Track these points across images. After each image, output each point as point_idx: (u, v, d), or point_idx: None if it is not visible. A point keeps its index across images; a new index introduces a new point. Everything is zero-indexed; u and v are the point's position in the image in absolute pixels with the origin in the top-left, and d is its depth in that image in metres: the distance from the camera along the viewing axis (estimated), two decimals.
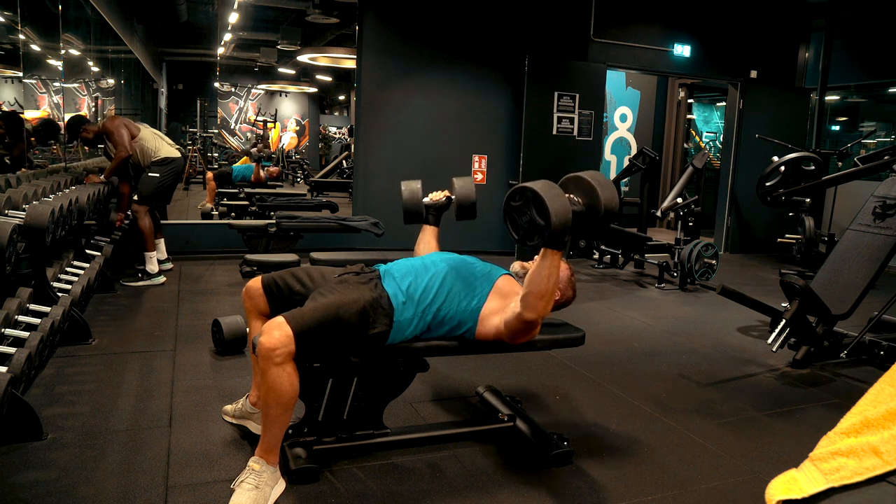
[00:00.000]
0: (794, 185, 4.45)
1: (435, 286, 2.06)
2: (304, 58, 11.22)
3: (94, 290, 3.96)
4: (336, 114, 16.31)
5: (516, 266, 2.27)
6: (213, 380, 2.86)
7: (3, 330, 2.48)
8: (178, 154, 4.72)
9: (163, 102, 11.08)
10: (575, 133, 6.55)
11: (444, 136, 6.39)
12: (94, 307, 3.89)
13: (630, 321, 4.32)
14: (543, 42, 6.49)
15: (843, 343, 3.62)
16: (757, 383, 3.25)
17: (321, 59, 11.27)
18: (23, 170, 4.35)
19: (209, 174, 8.16)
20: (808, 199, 5.79)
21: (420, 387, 2.85)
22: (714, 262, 5.35)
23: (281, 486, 1.94)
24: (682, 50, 7.11)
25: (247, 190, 7.89)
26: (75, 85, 6.64)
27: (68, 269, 3.70)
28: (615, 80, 8.69)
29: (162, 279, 4.61)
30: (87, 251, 4.27)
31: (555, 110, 6.44)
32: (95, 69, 7.13)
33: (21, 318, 2.72)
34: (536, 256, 1.91)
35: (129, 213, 4.97)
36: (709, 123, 10.65)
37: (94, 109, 6.97)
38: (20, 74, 4.95)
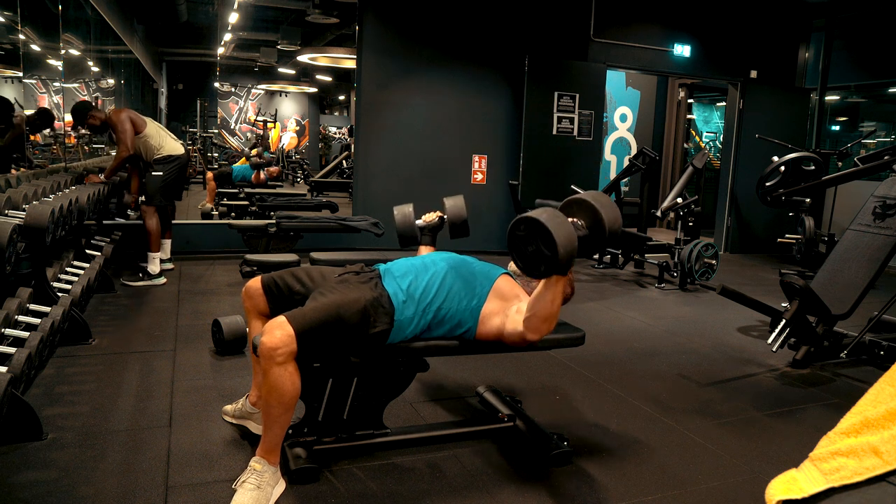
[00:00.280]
0: (794, 185, 4.45)
1: (435, 285, 2.06)
2: (304, 58, 11.22)
3: (94, 290, 3.96)
4: (336, 114, 16.31)
5: (514, 265, 2.27)
6: (213, 380, 2.86)
7: (3, 330, 2.48)
8: (181, 150, 4.71)
9: (163, 102, 11.07)
10: (575, 133, 6.55)
11: (444, 136, 6.39)
12: (94, 307, 3.89)
13: (630, 321, 4.32)
14: (543, 42, 6.49)
15: (843, 343, 3.62)
16: (757, 383, 3.25)
17: (321, 59, 11.27)
18: (22, 169, 4.35)
19: (209, 174, 8.15)
20: (808, 199, 5.79)
21: (420, 387, 2.85)
22: (714, 262, 5.35)
23: (281, 486, 1.94)
24: (682, 50, 7.11)
25: (247, 190, 7.90)
26: (75, 85, 6.64)
27: (68, 269, 3.70)
28: (615, 80, 8.69)
29: (163, 280, 4.61)
30: (87, 251, 4.27)
31: (555, 110, 6.45)
32: (95, 69, 7.13)
33: (21, 318, 2.72)
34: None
35: (139, 199, 4.97)
36: (709, 123, 10.65)
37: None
38: (20, 74, 4.94)
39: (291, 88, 14.67)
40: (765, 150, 6.64)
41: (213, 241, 5.80)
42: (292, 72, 13.56)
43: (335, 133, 15.47)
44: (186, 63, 12.27)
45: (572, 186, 6.39)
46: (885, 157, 4.10)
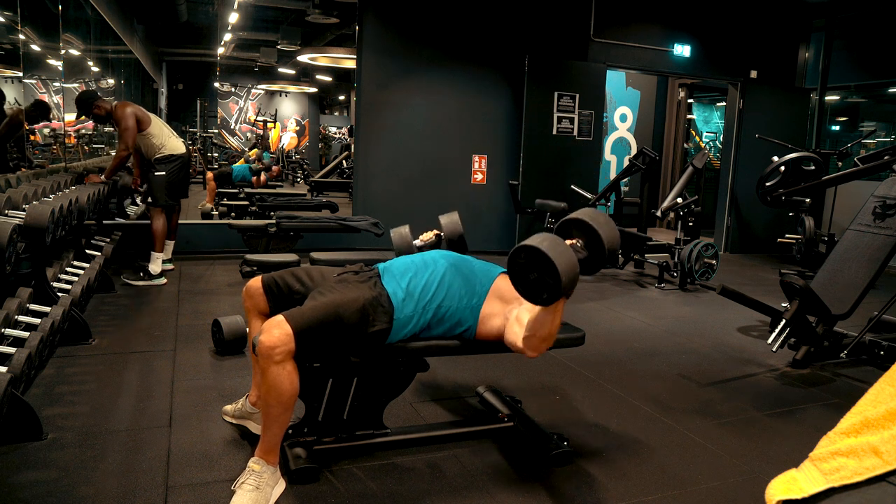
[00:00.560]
0: (794, 185, 4.44)
1: (435, 283, 2.06)
2: (304, 58, 11.22)
3: (94, 290, 3.96)
4: (336, 114, 16.31)
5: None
6: (213, 380, 2.86)
7: (3, 330, 2.48)
8: (182, 149, 4.70)
9: (163, 102, 11.08)
10: (575, 133, 6.55)
11: (444, 136, 6.39)
12: (94, 307, 3.89)
13: (630, 321, 4.32)
14: (543, 42, 6.49)
15: (843, 343, 3.62)
16: (757, 383, 3.25)
17: (321, 59, 11.28)
18: (22, 170, 4.35)
19: (209, 174, 8.16)
20: (808, 199, 5.79)
21: (420, 387, 2.85)
22: (714, 262, 5.35)
23: (281, 485, 1.94)
24: (682, 50, 7.11)
25: (247, 190, 7.90)
26: (75, 85, 6.63)
27: (68, 269, 3.70)
28: (615, 80, 8.69)
29: (163, 280, 4.61)
30: (87, 251, 4.27)
31: (555, 110, 6.44)
32: (95, 69, 7.13)
33: (21, 318, 2.72)
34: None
35: (141, 184, 4.95)
36: (709, 123, 10.65)
37: None
38: (20, 74, 4.94)
39: (291, 88, 14.68)
40: (765, 150, 6.64)
41: (213, 241, 5.80)
42: (292, 72, 13.57)
43: (335, 133, 15.47)
44: (186, 63, 12.28)
45: (573, 187, 6.40)
46: (885, 157, 4.10)
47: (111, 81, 7.69)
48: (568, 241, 1.85)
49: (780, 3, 7.52)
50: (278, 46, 10.54)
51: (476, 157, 6.52)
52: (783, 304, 3.80)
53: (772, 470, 2.23)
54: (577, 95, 6.50)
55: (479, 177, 6.56)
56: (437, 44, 6.25)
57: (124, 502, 1.87)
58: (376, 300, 1.98)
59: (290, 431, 2.12)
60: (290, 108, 15.01)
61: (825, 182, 4.39)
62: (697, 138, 10.46)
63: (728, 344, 3.89)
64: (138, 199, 5.56)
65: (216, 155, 11.72)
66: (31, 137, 5.19)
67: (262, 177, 8.63)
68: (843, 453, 0.88)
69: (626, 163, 7.69)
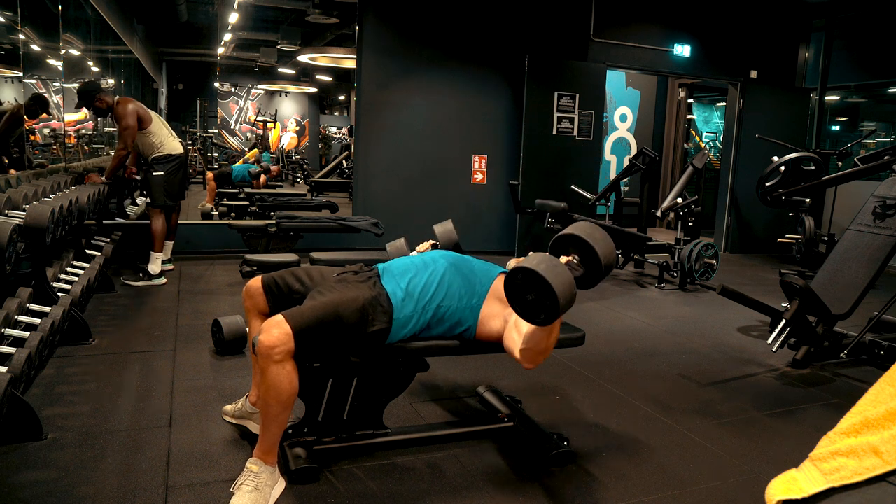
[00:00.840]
0: (794, 185, 4.45)
1: (435, 282, 2.06)
2: (304, 58, 11.22)
3: (94, 290, 3.96)
4: (336, 114, 16.31)
5: (512, 263, 2.27)
6: (213, 380, 2.86)
7: (3, 330, 2.48)
8: (180, 150, 4.69)
9: (163, 102, 11.08)
10: (575, 133, 6.55)
11: (444, 136, 6.39)
12: (94, 307, 3.89)
13: (630, 321, 4.32)
14: (543, 42, 6.49)
15: (843, 343, 3.62)
16: (757, 383, 3.25)
17: (321, 59, 11.27)
18: (16, 171, 4.35)
19: (209, 174, 8.16)
20: (808, 199, 5.79)
21: (420, 387, 2.85)
22: (714, 262, 5.35)
23: (281, 485, 1.94)
24: (682, 50, 7.11)
25: (247, 190, 7.90)
26: (75, 85, 6.64)
27: (68, 269, 3.70)
28: (615, 80, 8.69)
29: (163, 280, 4.61)
30: (87, 251, 4.27)
31: (555, 110, 6.44)
32: (95, 69, 7.13)
33: (21, 318, 2.72)
34: (531, 252, 1.90)
35: (136, 174, 4.94)
36: (709, 123, 10.65)
37: None
38: (20, 74, 4.94)
39: (291, 88, 14.67)
40: (765, 150, 6.64)
41: (213, 241, 5.80)
42: (292, 72, 13.56)
43: (335, 133, 15.47)
44: (186, 63, 12.27)
45: (573, 187, 6.40)
46: (885, 157, 4.10)
47: (111, 81, 7.69)
48: (564, 258, 1.84)
49: (780, 3, 7.52)
50: (278, 46, 10.54)
51: (476, 157, 6.52)
52: (783, 304, 3.80)
53: (772, 470, 2.23)
54: (577, 95, 6.50)
55: (479, 177, 6.56)
56: (437, 44, 6.25)
57: (124, 502, 1.87)
58: (375, 300, 1.98)
59: (290, 431, 2.12)
60: (290, 108, 15.00)
61: (825, 182, 4.39)
62: (697, 138, 10.46)
63: (728, 344, 3.89)
64: (137, 197, 5.54)
65: (216, 155, 11.72)
66: (31, 137, 5.19)
67: (262, 177, 8.63)
68: (843, 453, 0.88)
69: (626, 163, 7.69)
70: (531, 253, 1.79)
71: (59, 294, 3.15)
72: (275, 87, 14.54)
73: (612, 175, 8.67)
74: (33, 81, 5.24)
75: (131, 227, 5.49)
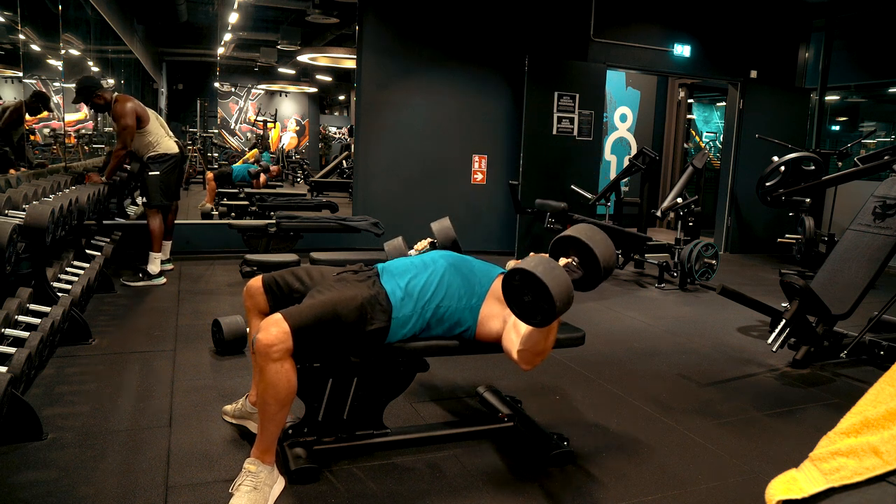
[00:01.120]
0: (794, 185, 4.45)
1: (434, 283, 2.06)
2: (304, 58, 11.22)
3: (94, 290, 3.96)
4: (336, 114, 16.31)
5: (511, 264, 2.27)
6: (213, 380, 2.86)
7: (3, 330, 2.48)
8: (176, 150, 4.67)
9: (163, 102, 11.08)
10: (575, 133, 6.55)
11: (444, 136, 6.39)
12: (94, 307, 3.89)
13: (630, 321, 4.32)
14: (543, 42, 6.49)
15: (843, 343, 3.62)
16: (757, 383, 3.25)
17: (321, 59, 11.28)
18: (22, 169, 4.35)
19: (209, 174, 8.16)
20: (808, 199, 5.79)
21: (420, 387, 2.85)
22: (714, 262, 5.35)
23: (280, 484, 1.94)
24: (682, 50, 7.11)
25: (247, 190, 7.90)
26: (75, 85, 6.65)
27: (68, 269, 3.70)
28: (615, 80, 8.69)
29: (162, 280, 4.61)
30: (87, 251, 4.27)
31: (555, 110, 6.44)
32: (95, 69, 7.13)
33: (21, 318, 2.72)
34: (532, 253, 1.90)
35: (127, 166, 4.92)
36: (709, 123, 10.65)
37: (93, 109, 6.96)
38: (20, 74, 4.95)
39: (291, 88, 14.67)
40: (765, 150, 6.64)
41: (213, 241, 5.80)
42: (292, 72, 13.56)
43: (335, 133, 15.47)
44: (186, 63, 12.28)
45: (573, 187, 6.40)
46: (885, 157, 4.10)
47: (111, 81, 7.69)
48: (563, 260, 1.84)
49: (780, 3, 7.52)
50: (278, 46, 10.54)
51: (476, 157, 6.52)
52: (783, 304, 3.80)
53: (772, 470, 2.23)
54: (577, 95, 6.50)
55: (479, 177, 6.56)
56: (437, 44, 6.25)
57: (124, 502, 1.87)
58: (374, 298, 1.98)
59: (290, 431, 2.12)
60: (290, 108, 15.01)
61: (825, 182, 4.39)
62: (697, 138, 10.46)
63: (728, 344, 3.89)
64: (137, 197, 5.53)
65: (216, 155, 11.72)
66: (31, 137, 5.19)
67: (262, 177, 8.63)
68: (843, 453, 0.88)
69: (626, 163, 7.69)
70: (531, 254, 1.79)
71: (59, 294, 3.15)
72: (275, 87, 14.54)
73: (612, 175, 8.67)
74: (33, 81, 5.24)
75: (131, 227, 5.49)
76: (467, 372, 3.08)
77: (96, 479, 1.98)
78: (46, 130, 5.75)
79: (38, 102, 4.99)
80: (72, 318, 3.15)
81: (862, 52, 7.74)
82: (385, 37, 6.10)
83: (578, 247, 1.84)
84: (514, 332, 1.96)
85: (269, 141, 12.71)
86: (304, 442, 2.11)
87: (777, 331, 3.43)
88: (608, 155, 9.02)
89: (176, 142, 4.74)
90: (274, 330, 1.81)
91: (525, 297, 1.72)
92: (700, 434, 2.57)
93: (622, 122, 9.11)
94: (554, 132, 6.46)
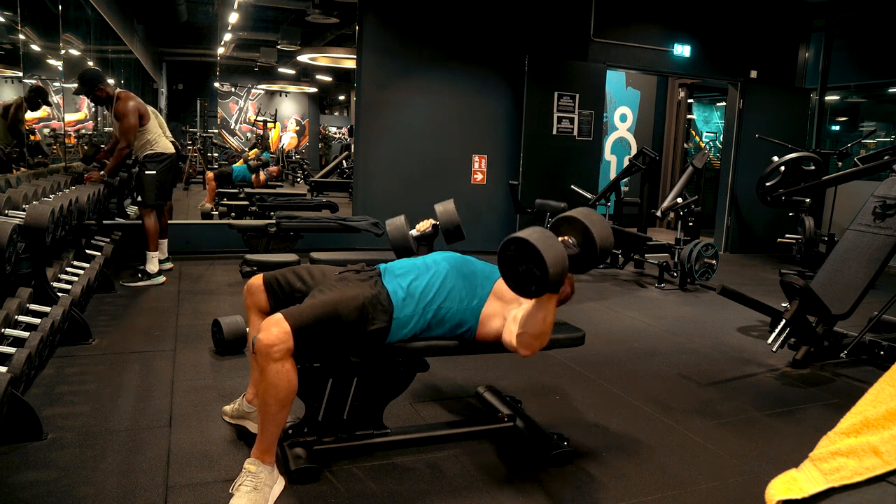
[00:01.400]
0: (794, 185, 4.45)
1: (436, 284, 2.07)
2: (304, 58, 11.23)
3: (94, 290, 3.95)
4: (336, 114, 16.31)
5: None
6: (213, 380, 2.86)
7: (3, 330, 2.48)
8: (172, 150, 4.66)
9: (163, 102, 11.09)
10: (575, 133, 6.55)
11: (444, 136, 6.39)
12: (94, 307, 3.89)
13: (630, 321, 4.32)
14: (543, 42, 6.49)
15: (843, 343, 3.62)
16: (757, 383, 3.25)
17: (321, 59, 11.28)
18: (22, 169, 4.35)
19: (209, 174, 8.16)
20: (808, 199, 5.79)
21: (420, 387, 2.85)
22: (714, 262, 5.35)
23: (280, 484, 1.94)
24: (682, 50, 7.11)
25: (247, 190, 7.90)
26: (75, 85, 6.65)
27: (68, 269, 3.70)
28: (615, 80, 8.69)
29: (162, 279, 4.61)
30: (87, 251, 4.27)
31: (555, 110, 6.45)
32: (96, 69, 7.13)
33: (21, 318, 2.72)
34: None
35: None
36: (709, 123, 10.65)
37: (94, 109, 6.98)
38: (20, 74, 4.95)
39: (291, 88, 14.68)
40: (765, 150, 6.64)
41: (213, 241, 5.80)
42: (292, 72, 13.57)
43: (335, 133, 15.47)
44: (186, 63, 12.28)
45: (573, 187, 6.39)
46: (885, 157, 4.10)
47: (111, 81, 7.69)
48: (560, 238, 1.86)
49: (780, 3, 7.52)
50: (278, 46, 10.55)
51: (476, 157, 6.52)
52: (783, 304, 3.80)
53: (772, 470, 2.23)
54: (577, 95, 6.50)
55: (479, 177, 6.56)
56: (437, 44, 6.25)
57: (124, 502, 1.87)
58: (376, 298, 1.98)
59: (290, 431, 2.12)
60: (290, 108, 15.01)
61: (825, 182, 4.39)
62: (697, 138, 10.46)
63: (728, 344, 3.89)
64: (138, 197, 5.50)
65: (216, 155, 11.72)
66: (31, 137, 5.19)
67: (262, 176, 8.62)
68: (843, 453, 0.88)
69: (626, 163, 7.69)
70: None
71: (59, 294, 3.15)
72: (275, 87, 14.55)
73: (612, 175, 8.67)
74: (33, 81, 5.24)
75: (131, 227, 5.48)
76: (467, 372, 3.08)
77: (96, 479, 1.98)
78: (46, 130, 5.75)
79: (38, 97, 4.99)
80: (72, 318, 3.15)
81: (862, 52, 7.74)
82: (385, 37, 6.10)
83: (576, 226, 1.87)
84: (514, 324, 1.97)
85: (269, 141, 12.71)
86: (304, 442, 2.11)
87: (777, 331, 3.43)
88: (608, 155, 9.02)
89: (172, 141, 4.73)
90: (275, 330, 1.81)
91: (520, 267, 1.74)
92: (700, 434, 2.57)
93: (622, 122, 9.11)
94: (554, 132, 6.46)
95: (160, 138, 4.57)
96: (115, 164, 4.51)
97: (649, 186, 6.61)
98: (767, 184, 4.48)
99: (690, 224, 5.64)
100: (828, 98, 8.21)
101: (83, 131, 7.09)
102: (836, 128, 8.90)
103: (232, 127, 13.98)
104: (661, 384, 3.13)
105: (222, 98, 13.81)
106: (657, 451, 2.39)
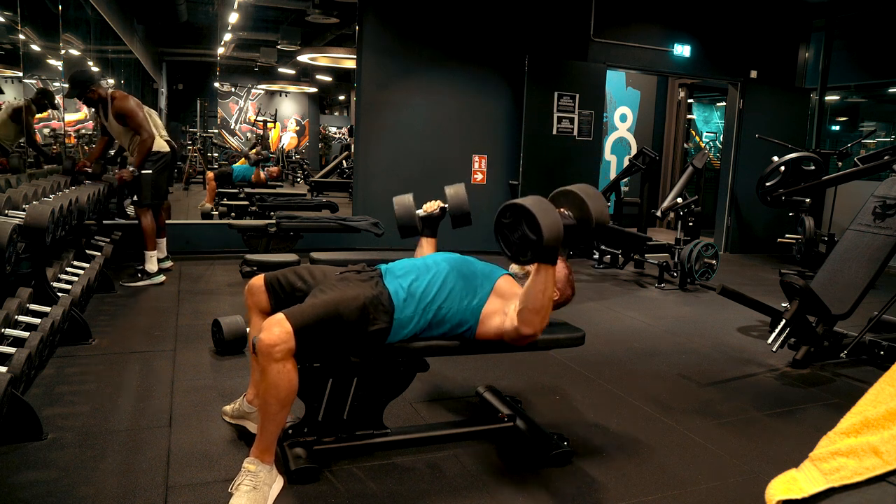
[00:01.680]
0: (794, 185, 4.45)
1: (437, 285, 2.07)
2: (304, 58, 11.22)
3: (94, 290, 3.95)
4: (336, 114, 16.31)
5: (515, 267, 2.28)
6: (213, 380, 2.86)
7: (3, 330, 2.48)
8: (167, 148, 4.65)
9: (163, 102, 11.08)
10: (575, 133, 6.55)
11: (444, 136, 6.39)
12: (94, 307, 3.89)
13: (630, 321, 4.32)
14: (543, 42, 6.49)
15: (843, 343, 3.62)
16: (757, 383, 3.25)
17: (321, 59, 11.27)
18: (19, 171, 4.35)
19: (209, 174, 8.16)
20: (808, 199, 5.79)
21: (420, 387, 2.85)
22: (714, 262, 5.35)
23: (279, 483, 1.94)
24: (682, 50, 7.11)
25: (247, 190, 7.89)
26: (69, 78, 6.65)
27: (68, 269, 3.70)
28: (615, 80, 8.69)
29: (161, 278, 4.61)
30: (87, 251, 4.27)
31: (555, 110, 6.44)
32: (96, 69, 7.13)
33: (21, 318, 2.71)
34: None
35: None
36: (709, 123, 10.65)
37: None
38: (20, 74, 4.95)
39: (291, 88, 14.67)
40: (765, 150, 6.64)
41: (213, 241, 5.80)
42: (292, 72, 13.56)
43: (335, 133, 15.47)
44: (186, 63, 12.27)
45: None
46: (885, 157, 4.10)
47: (111, 81, 7.69)
48: (557, 210, 1.90)
49: (780, 3, 7.52)
50: (278, 46, 10.54)
51: (476, 157, 6.52)
52: (783, 304, 3.80)
53: (772, 470, 2.23)
54: (577, 95, 6.49)
55: (479, 177, 6.56)
56: (437, 44, 6.25)
57: (124, 502, 1.87)
58: (377, 299, 1.98)
59: (290, 431, 2.12)
60: (290, 108, 15.01)
61: (825, 182, 4.39)
62: (697, 138, 10.46)
63: (728, 344, 3.89)
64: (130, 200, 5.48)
65: (216, 155, 11.72)
66: (35, 137, 5.19)
67: (262, 175, 8.61)
68: (843, 453, 0.88)
69: (626, 163, 7.69)
70: None
71: (59, 294, 3.15)
72: (275, 87, 14.55)
73: (612, 175, 8.67)
74: (33, 81, 5.24)
75: (131, 227, 5.48)
76: (467, 372, 3.08)
77: (96, 479, 1.98)
78: (46, 130, 5.75)
79: (45, 99, 4.99)
80: (72, 318, 3.15)
81: (862, 52, 7.74)
82: (385, 37, 6.10)
83: (573, 200, 1.93)
84: (515, 312, 1.99)
85: (269, 141, 12.71)
86: (304, 442, 2.11)
87: (777, 331, 3.43)
88: (608, 155, 9.02)
89: (167, 140, 4.71)
90: (276, 330, 1.81)
91: (515, 233, 1.77)
92: (700, 434, 2.57)
93: (622, 122, 9.11)
94: (554, 132, 6.46)
95: (156, 138, 4.56)
96: (141, 157, 4.42)
97: (649, 186, 6.61)
98: (767, 184, 4.48)
99: (690, 224, 5.64)
100: (828, 98, 8.21)
101: (83, 131, 7.09)
102: (836, 128, 8.90)
103: (232, 127, 13.98)
104: (661, 384, 3.13)
105: (222, 98, 13.81)
106: (657, 451, 2.39)
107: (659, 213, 5.76)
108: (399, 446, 2.26)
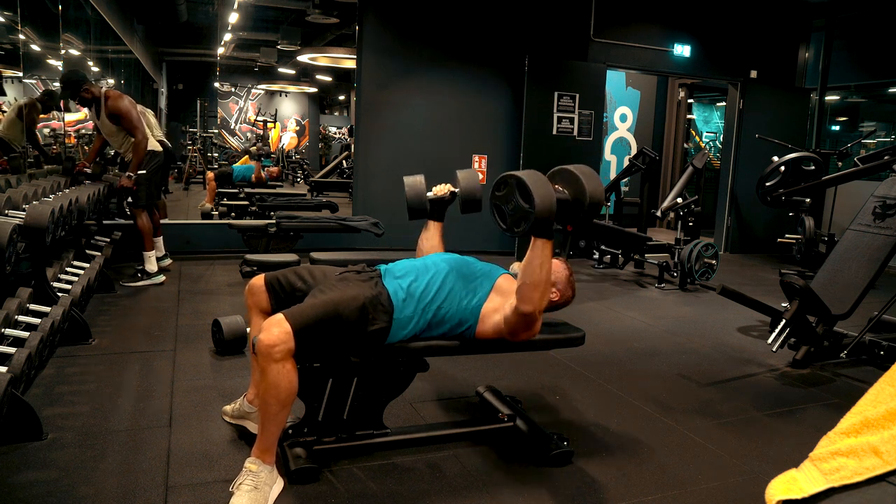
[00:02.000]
0: (794, 185, 4.45)
1: (436, 285, 2.07)
2: (304, 58, 11.22)
3: (94, 290, 3.95)
4: (336, 114, 16.32)
5: (515, 267, 2.28)
6: (213, 380, 2.86)
7: (3, 330, 2.48)
8: (160, 149, 4.64)
9: (163, 102, 11.09)
10: (575, 133, 6.55)
11: (444, 136, 6.39)
12: (94, 307, 3.89)
13: (630, 321, 4.32)
14: (543, 42, 6.49)
15: (843, 343, 3.62)
16: (757, 383, 3.25)
17: (321, 59, 11.28)
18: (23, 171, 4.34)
19: (209, 174, 8.16)
20: (808, 199, 5.79)
21: (420, 387, 2.85)
22: (714, 262, 5.35)
23: (279, 484, 1.94)
24: (682, 50, 7.11)
25: (247, 190, 7.89)
26: (61, 78, 6.65)
27: (68, 269, 3.70)
28: (615, 80, 8.69)
29: (161, 278, 4.61)
30: (87, 251, 4.27)
31: (555, 110, 6.44)
32: (95, 69, 7.13)
33: (21, 318, 2.72)
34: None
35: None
36: (709, 123, 10.65)
37: None
38: (20, 74, 4.95)
39: (291, 88, 14.68)
40: (765, 150, 6.64)
41: (213, 241, 5.80)
42: (292, 72, 13.57)
43: (335, 133, 15.47)
44: (186, 63, 12.28)
45: None
46: (885, 157, 4.10)
47: (111, 81, 7.69)
48: (553, 186, 1.94)
49: (780, 3, 7.52)
50: (278, 46, 10.54)
51: (476, 157, 6.52)
52: (783, 304, 3.80)
53: (772, 470, 2.23)
54: (577, 95, 6.49)
55: (480, 177, 6.55)
56: (437, 44, 6.25)
57: (124, 502, 1.87)
58: (376, 299, 1.98)
59: (290, 431, 2.12)
60: (290, 108, 15.02)
61: (825, 182, 4.39)
62: (697, 138, 10.46)
63: (728, 344, 3.89)
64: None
65: (216, 155, 11.72)
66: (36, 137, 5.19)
67: (262, 173, 8.61)
68: (843, 453, 0.88)
69: (626, 163, 7.69)
70: None
71: (59, 294, 3.15)
72: (275, 87, 14.55)
73: (612, 175, 8.67)
74: (33, 81, 5.24)
75: (131, 227, 5.48)
76: (467, 372, 3.08)
77: (96, 479, 1.98)
78: (46, 130, 5.75)
79: (51, 100, 5.00)
80: (72, 318, 3.15)
81: (862, 52, 7.74)
82: (385, 37, 6.10)
83: (569, 177, 1.98)
84: (512, 298, 2.01)
85: (269, 141, 12.71)
86: (304, 442, 2.11)
87: (777, 331, 3.43)
88: (608, 155, 9.02)
89: (161, 140, 4.69)
90: (276, 330, 1.81)
91: (509, 205, 1.81)
92: (700, 434, 2.57)
93: (622, 122, 9.11)
94: (554, 132, 6.46)
95: (150, 138, 4.55)
96: (139, 159, 4.42)
97: (649, 186, 6.61)
98: (767, 184, 4.48)
99: (690, 224, 5.64)
100: (828, 98, 8.21)
101: (83, 131, 7.09)
102: (836, 128, 8.90)
103: (232, 127, 13.99)
104: (661, 384, 3.13)
105: (222, 98, 13.81)
106: (657, 451, 2.39)
107: (659, 213, 5.76)
108: (399, 446, 2.26)
